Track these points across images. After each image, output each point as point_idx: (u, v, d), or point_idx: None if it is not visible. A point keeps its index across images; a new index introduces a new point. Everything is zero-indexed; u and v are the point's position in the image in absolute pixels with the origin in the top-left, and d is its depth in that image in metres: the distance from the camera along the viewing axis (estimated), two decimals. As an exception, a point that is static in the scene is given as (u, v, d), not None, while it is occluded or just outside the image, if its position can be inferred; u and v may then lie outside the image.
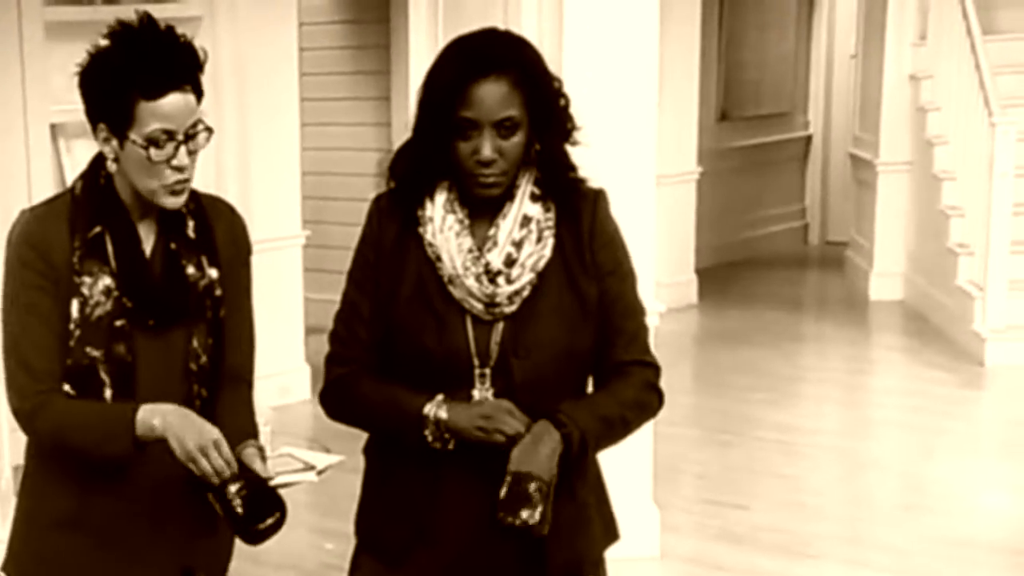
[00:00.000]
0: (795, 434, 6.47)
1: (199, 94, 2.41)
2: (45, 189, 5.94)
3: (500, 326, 2.44)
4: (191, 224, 2.51)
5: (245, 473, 2.39)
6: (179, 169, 2.38)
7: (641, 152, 4.74)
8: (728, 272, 10.23)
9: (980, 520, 5.34)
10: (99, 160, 2.47)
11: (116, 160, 2.41)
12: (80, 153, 6.09)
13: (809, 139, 11.86)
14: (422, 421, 2.39)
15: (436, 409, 2.38)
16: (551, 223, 2.46)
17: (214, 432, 2.35)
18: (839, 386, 7.53)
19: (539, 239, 2.44)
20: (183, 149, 2.38)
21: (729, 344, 8.22)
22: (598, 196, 2.53)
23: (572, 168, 2.50)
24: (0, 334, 2.47)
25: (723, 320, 8.86)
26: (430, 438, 2.39)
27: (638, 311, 2.56)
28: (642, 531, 4.68)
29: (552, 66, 4.57)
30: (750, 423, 6.59)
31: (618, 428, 2.51)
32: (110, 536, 2.50)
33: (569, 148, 2.50)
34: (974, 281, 7.85)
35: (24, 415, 2.44)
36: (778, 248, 11.27)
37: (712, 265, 9.94)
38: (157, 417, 2.36)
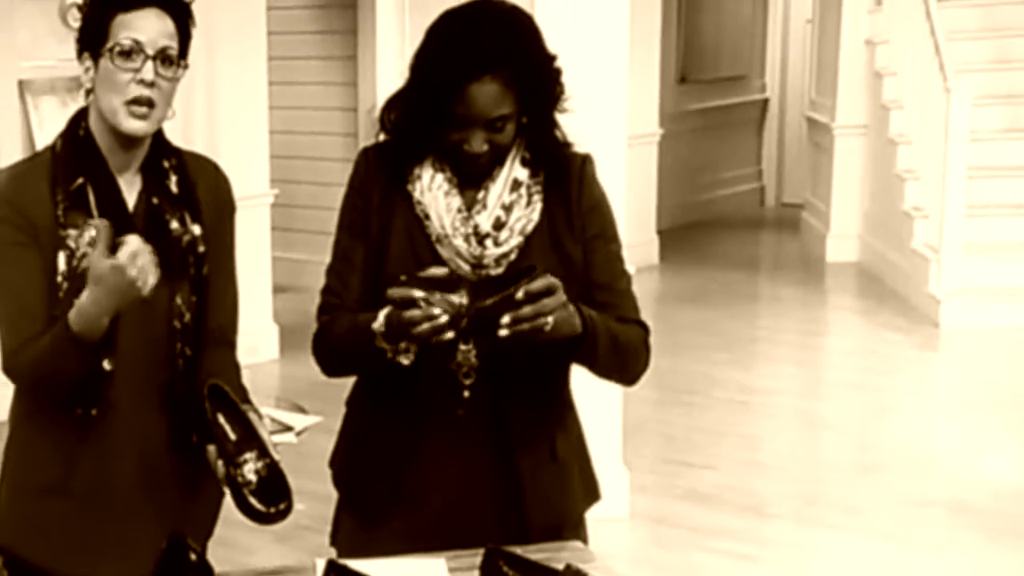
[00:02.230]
0: (755, 394, 6.57)
1: (183, 33, 2.41)
2: (13, 146, 5.92)
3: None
4: (174, 179, 2.47)
5: (264, 450, 2.34)
6: (144, 84, 2.34)
7: (612, 114, 4.77)
8: (687, 233, 10.32)
9: (937, 479, 5.43)
10: (79, 115, 2.45)
11: (92, 90, 2.39)
12: (47, 110, 6.06)
13: (765, 102, 11.94)
14: (374, 337, 2.35)
15: (376, 323, 2.34)
16: (539, 187, 2.46)
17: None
18: (797, 347, 7.61)
19: (528, 203, 2.45)
20: (150, 64, 2.33)
21: (690, 304, 8.30)
22: (585, 161, 2.53)
23: (559, 133, 2.50)
24: None
25: (684, 280, 8.94)
26: (389, 353, 2.35)
27: (626, 274, 2.57)
28: (612, 492, 4.72)
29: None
30: (711, 383, 6.67)
31: (618, 353, 2.46)
32: (97, 502, 2.47)
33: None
34: (929, 244, 7.97)
35: (7, 372, 2.42)
36: (735, 209, 11.36)
37: (672, 226, 10.01)
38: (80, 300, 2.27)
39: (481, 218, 2.42)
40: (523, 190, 2.45)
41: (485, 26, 2.38)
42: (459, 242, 2.41)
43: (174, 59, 2.38)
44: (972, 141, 7.79)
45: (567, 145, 2.52)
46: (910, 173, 8.47)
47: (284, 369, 6.73)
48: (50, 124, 6.02)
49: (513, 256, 2.44)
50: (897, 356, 7.22)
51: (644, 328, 2.55)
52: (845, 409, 6.50)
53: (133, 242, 2.20)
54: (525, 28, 2.42)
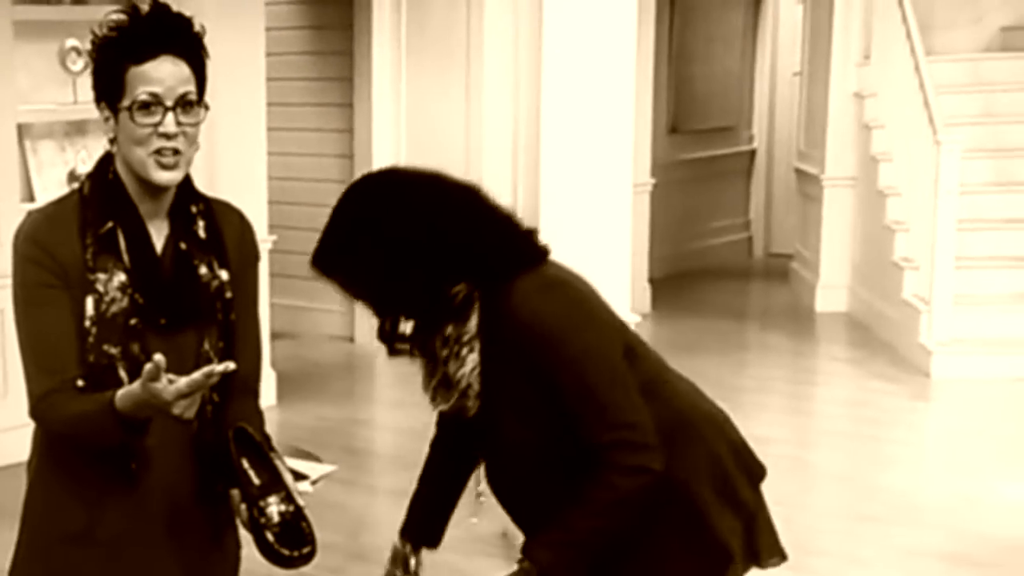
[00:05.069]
0: (750, 443, 6.55)
1: (198, 73, 2.37)
2: (11, 189, 5.90)
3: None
4: (201, 224, 2.46)
5: (289, 495, 2.35)
6: (167, 136, 2.31)
7: (617, 162, 4.82)
8: (678, 282, 10.34)
9: (933, 530, 5.42)
10: (106, 158, 2.43)
11: (114, 140, 2.37)
12: (45, 154, 6.05)
13: (753, 153, 12.01)
14: None
15: None
16: (468, 336, 2.48)
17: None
18: (789, 396, 7.63)
19: (457, 356, 2.49)
20: (171, 116, 2.31)
21: (682, 353, 8.17)
22: (511, 290, 2.47)
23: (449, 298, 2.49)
24: (16, 336, 2.39)
25: (675, 330, 8.94)
26: None
27: (594, 388, 2.47)
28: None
29: (531, 79, 4.61)
30: (706, 432, 6.65)
31: (596, 539, 2.45)
32: (121, 550, 2.44)
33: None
34: (919, 295, 8.00)
35: (35, 418, 2.39)
36: (724, 259, 11.40)
37: (662, 275, 10.04)
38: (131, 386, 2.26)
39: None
40: (452, 343, 2.51)
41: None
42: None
43: (194, 103, 2.36)
44: (961, 194, 7.84)
45: (506, 269, 2.50)
46: (899, 225, 8.52)
47: (282, 416, 6.68)
48: (48, 168, 6.01)
49: (469, 404, 2.50)
50: (890, 406, 7.23)
51: (625, 448, 2.45)
52: (840, 459, 6.50)
53: (182, 384, 2.17)
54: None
